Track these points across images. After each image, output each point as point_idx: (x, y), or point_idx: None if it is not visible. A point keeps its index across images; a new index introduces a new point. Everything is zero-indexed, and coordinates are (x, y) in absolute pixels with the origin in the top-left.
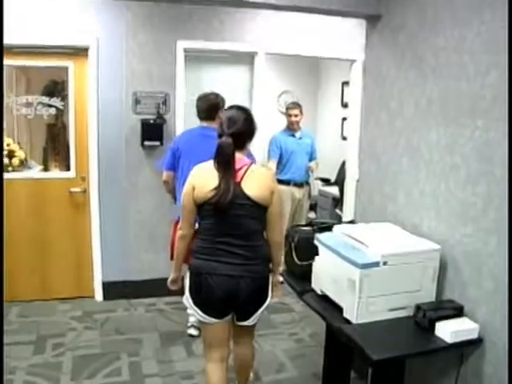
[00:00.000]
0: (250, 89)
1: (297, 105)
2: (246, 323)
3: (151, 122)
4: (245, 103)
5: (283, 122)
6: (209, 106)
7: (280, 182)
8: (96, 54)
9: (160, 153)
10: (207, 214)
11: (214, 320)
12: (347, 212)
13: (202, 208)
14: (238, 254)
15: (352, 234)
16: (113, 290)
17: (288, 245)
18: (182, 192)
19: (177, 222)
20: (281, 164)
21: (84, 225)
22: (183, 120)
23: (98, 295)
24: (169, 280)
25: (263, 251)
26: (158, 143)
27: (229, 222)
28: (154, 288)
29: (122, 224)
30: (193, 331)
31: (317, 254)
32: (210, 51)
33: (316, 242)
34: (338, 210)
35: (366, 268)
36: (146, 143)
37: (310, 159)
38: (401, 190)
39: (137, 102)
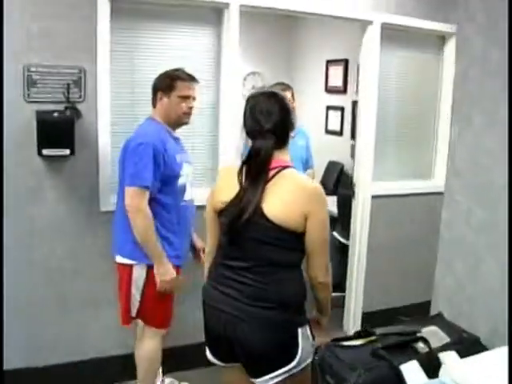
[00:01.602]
0: (215, 63)
1: (286, 86)
2: (256, 380)
3: (55, 115)
4: (209, 88)
5: None
6: (153, 87)
7: None
8: None
9: (71, 167)
10: (222, 229)
11: (216, 362)
12: (358, 240)
13: (219, 219)
14: (236, 286)
15: None
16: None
17: None
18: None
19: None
20: None
21: None
22: (110, 111)
23: None
24: None
25: (282, 293)
26: (66, 151)
27: (240, 245)
28: (73, 377)
29: (15, 280)
30: None
31: None
32: (152, 1)
33: None
34: (336, 234)
35: None
36: (46, 152)
37: (305, 168)
38: None
39: (30, 82)
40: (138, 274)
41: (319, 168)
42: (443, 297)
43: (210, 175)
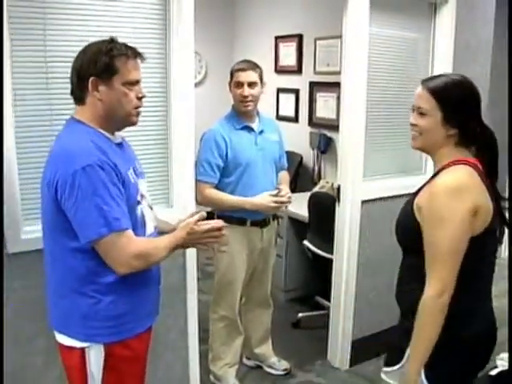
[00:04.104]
0: (163, 34)
1: (253, 65)
2: None
3: None
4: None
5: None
6: (76, 71)
7: (227, 220)
8: None
9: None
10: (482, 255)
11: None
12: (346, 255)
13: (478, 244)
14: None
15: None
16: None
17: None
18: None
19: None
20: (228, 186)
21: None
22: (12, 112)
23: None
24: None
25: None
26: None
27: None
28: None
29: None
30: None
31: None
32: None
33: None
34: (307, 243)
35: None
36: None
37: (277, 169)
38: None
39: None
40: (93, 359)
41: None
42: None
43: (162, 189)
